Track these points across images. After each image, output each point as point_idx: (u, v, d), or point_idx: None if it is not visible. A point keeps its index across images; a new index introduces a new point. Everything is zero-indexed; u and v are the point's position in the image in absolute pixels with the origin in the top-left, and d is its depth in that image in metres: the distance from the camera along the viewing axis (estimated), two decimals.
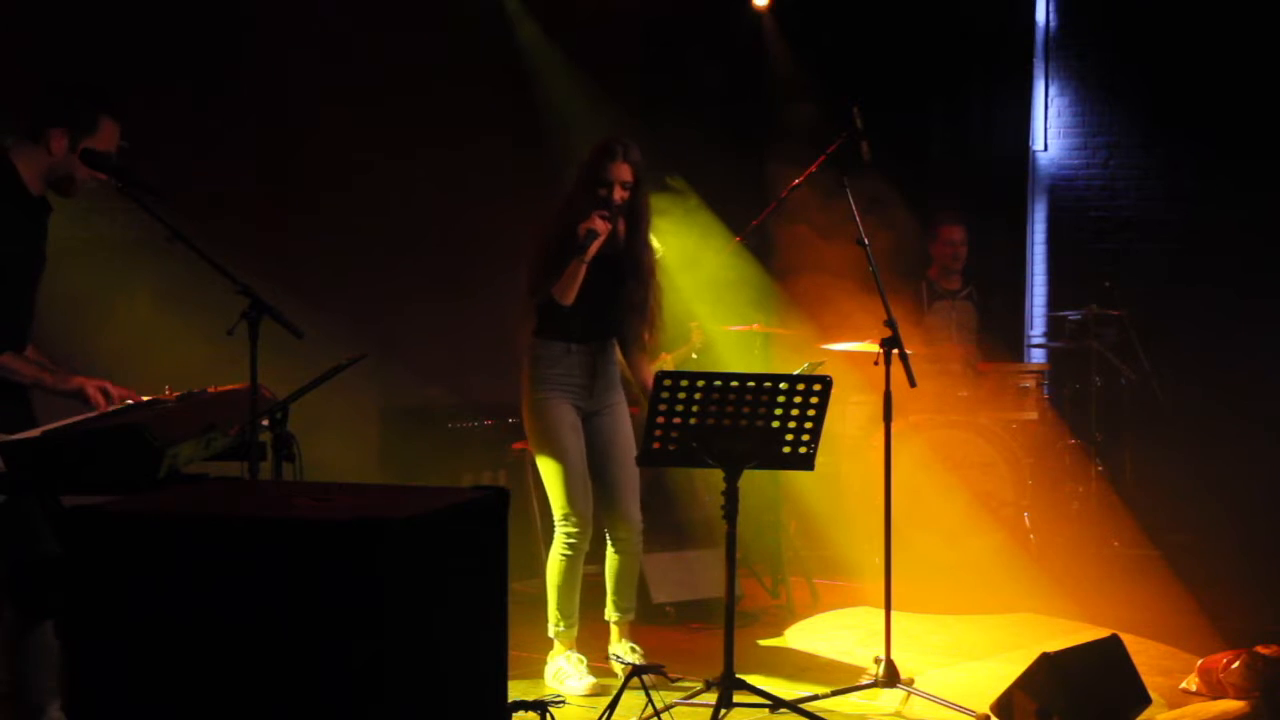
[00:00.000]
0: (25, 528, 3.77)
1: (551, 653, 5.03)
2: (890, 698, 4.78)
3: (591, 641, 5.10)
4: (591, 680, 4.89)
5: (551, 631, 5.02)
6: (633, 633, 5.16)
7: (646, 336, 5.09)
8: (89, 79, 4.15)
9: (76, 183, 4.02)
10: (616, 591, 5.09)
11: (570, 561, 4.95)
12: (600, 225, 4.82)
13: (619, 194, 4.88)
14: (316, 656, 2.62)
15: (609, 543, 5.08)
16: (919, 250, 7.63)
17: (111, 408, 3.89)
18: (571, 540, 4.93)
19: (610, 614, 5.10)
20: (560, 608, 4.98)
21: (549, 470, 4.94)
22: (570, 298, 4.84)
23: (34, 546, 3.78)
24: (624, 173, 4.88)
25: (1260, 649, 4.71)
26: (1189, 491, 7.46)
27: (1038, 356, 8.63)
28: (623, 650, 5.06)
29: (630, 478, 5.02)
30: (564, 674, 4.94)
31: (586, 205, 4.85)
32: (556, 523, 4.96)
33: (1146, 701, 4.46)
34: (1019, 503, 6.90)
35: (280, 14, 6.52)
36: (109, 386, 3.95)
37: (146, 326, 5.83)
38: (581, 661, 4.97)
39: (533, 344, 4.94)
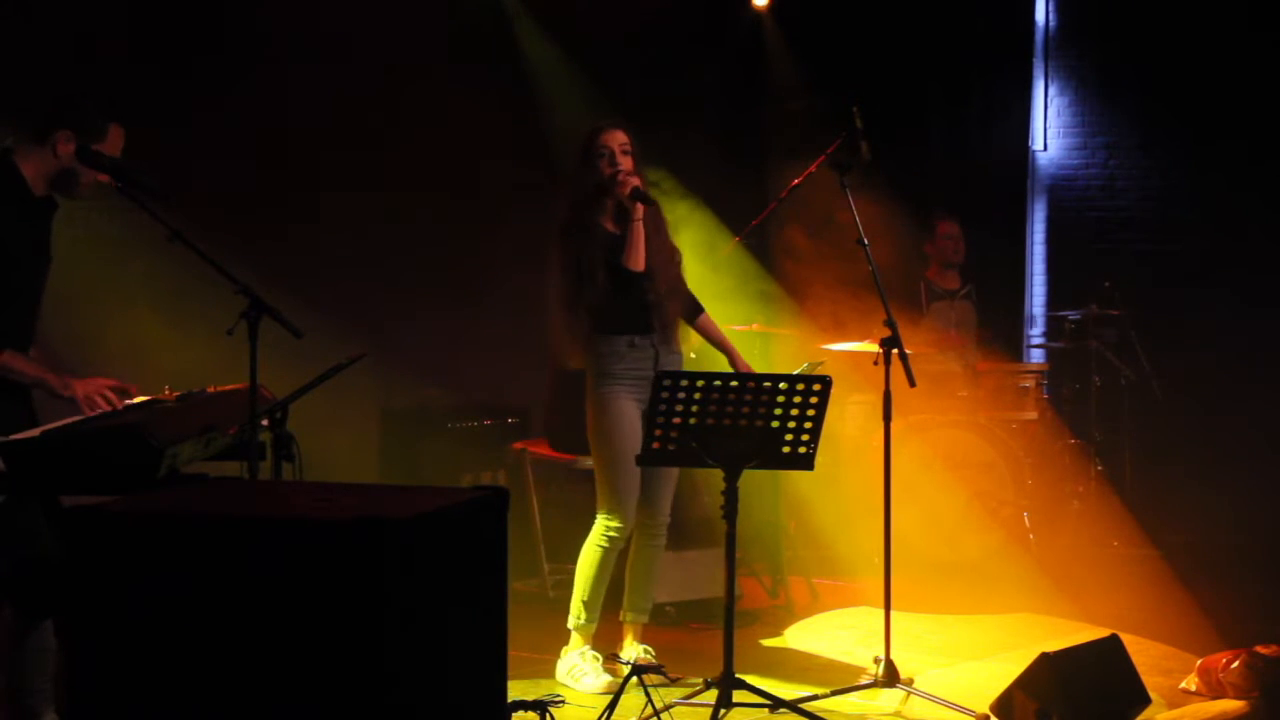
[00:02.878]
0: (25, 528, 3.77)
1: (566, 647, 5.02)
2: (890, 698, 4.78)
3: (598, 644, 5.08)
4: (608, 679, 4.87)
5: (572, 623, 4.99)
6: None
7: (690, 301, 5.12)
8: (97, 87, 4.17)
9: (81, 185, 4.04)
10: (637, 590, 5.06)
11: (607, 555, 4.94)
12: (636, 179, 4.86)
13: (624, 161, 4.89)
14: (316, 656, 2.62)
15: (635, 536, 5.06)
16: (917, 250, 7.63)
17: (111, 408, 3.89)
18: (613, 534, 4.92)
19: (628, 614, 5.08)
20: (587, 600, 4.96)
21: (605, 464, 4.92)
22: (641, 262, 4.86)
23: (34, 546, 3.78)
24: (618, 137, 4.91)
25: (1260, 649, 4.71)
26: (1189, 491, 7.46)
27: (1037, 356, 8.63)
28: (639, 653, 5.03)
29: (671, 472, 5.03)
30: (580, 671, 4.93)
31: (593, 183, 4.88)
32: (601, 515, 4.94)
33: (1146, 701, 4.46)
34: (1019, 503, 6.90)
35: (282, 14, 6.52)
36: (108, 392, 3.94)
37: (146, 326, 5.83)
38: (597, 659, 4.96)
39: (595, 340, 4.91)
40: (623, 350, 4.92)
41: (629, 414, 4.91)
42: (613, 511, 4.92)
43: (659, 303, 4.94)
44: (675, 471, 5.04)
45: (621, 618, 5.11)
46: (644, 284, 4.91)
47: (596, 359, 4.92)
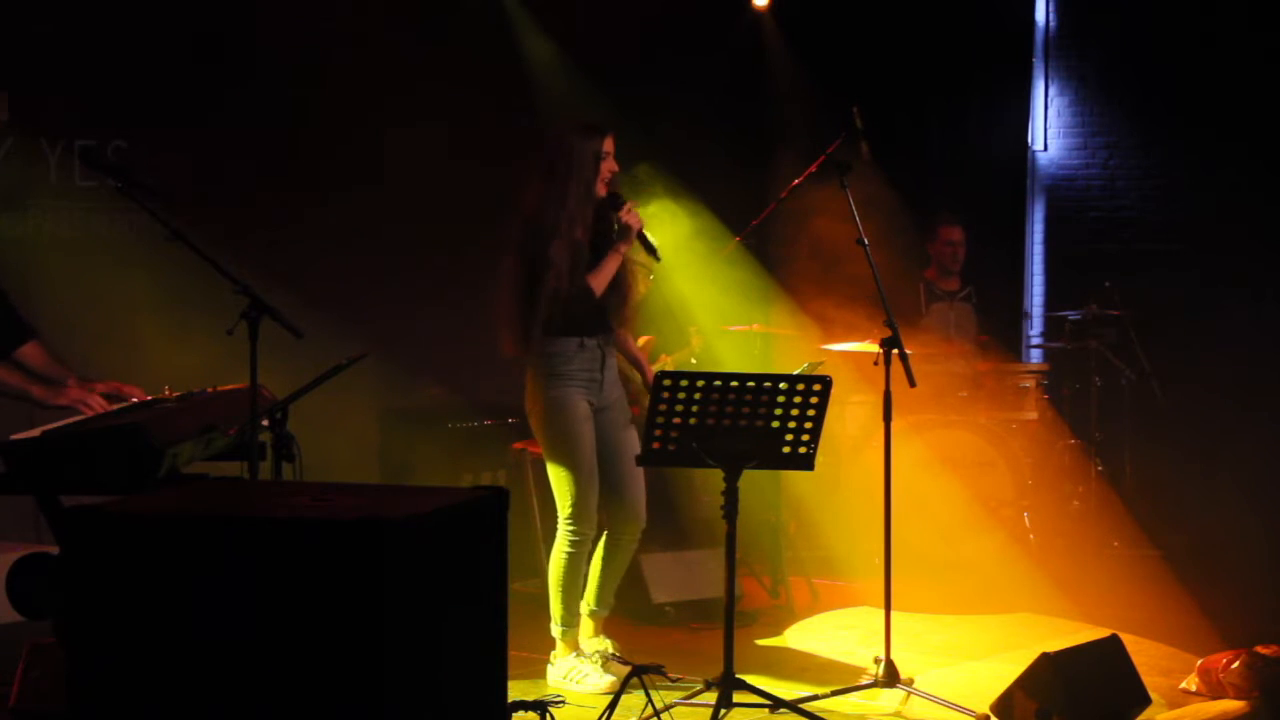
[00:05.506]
0: None
1: (555, 653, 5.01)
2: (890, 698, 4.77)
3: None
4: (611, 679, 4.85)
5: (556, 631, 4.99)
6: (633, 633, 5.14)
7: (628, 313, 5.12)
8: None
9: None
10: (604, 587, 5.03)
11: (575, 560, 4.93)
12: (637, 218, 4.87)
13: (613, 166, 4.91)
14: (316, 656, 2.62)
15: (607, 538, 5.04)
16: (917, 250, 7.63)
17: (112, 407, 3.89)
18: (577, 539, 4.91)
19: (590, 607, 5.04)
20: (566, 606, 4.96)
21: (562, 468, 4.90)
22: (604, 288, 4.88)
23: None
24: (611, 145, 4.93)
25: (1260, 649, 4.71)
26: (1189, 491, 7.46)
27: (1037, 356, 8.63)
28: (604, 646, 5.02)
29: (640, 473, 5.02)
30: (580, 673, 4.91)
31: (587, 185, 4.86)
32: (563, 521, 4.92)
33: (1146, 701, 4.47)
34: (1019, 503, 6.89)
35: (281, 14, 6.52)
36: (99, 397, 3.92)
37: (147, 327, 5.83)
38: (595, 660, 4.96)
39: (544, 342, 4.89)
40: (572, 351, 4.89)
41: (585, 414, 4.91)
42: (577, 515, 4.89)
43: (613, 306, 4.96)
44: (640, 471, 5.02)
45: (582, 609, 5.06)
46: (590, 302, 4.89)
47: (547, 359, 4.88)
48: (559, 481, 4.92)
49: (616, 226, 4.91)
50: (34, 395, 3.91)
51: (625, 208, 4.89)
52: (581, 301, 4.84)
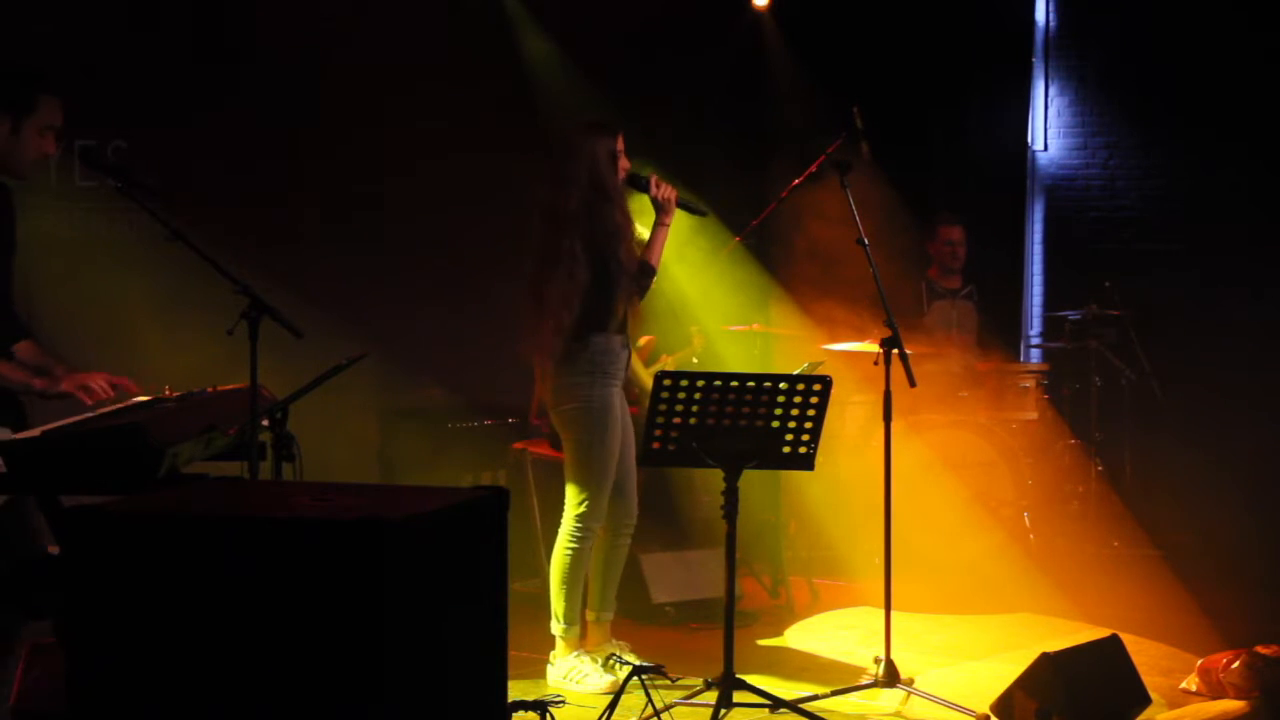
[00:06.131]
0: (24, 527, 3.77)
1: (555, 653, 5.01)
2: (890, 698, 4.78)
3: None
4: (611, 679, 4.85)
5: (557, 630, 4.99)
6: (633, 633, 5.14)
7: None
8: (18, 61, 4.08)
9: (26, 163, 3.97)
10: (608, 588, 5.04)
11: (578, 557, 4.93)
12: (669, 188, 4.98)
13: (625, 164, 4.97)
14: (316, 656, 2.61)
15: (606, 536, 5.03)
16: (917, 250, 7.63)
17: (112, 407, 3.88)
18: (583, 536, 4.91)
19: (599, 613, 5.06)
20: (569, 604, 4.96)
21: (590, 465, 4.89)
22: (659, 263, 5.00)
23: (32, 546, 3.77)
24: (622, 143, 4.98)
25: (1260, 649, 4.71)
26: (1189, 491, 7.46)
27: (1037, 356, 8.63)
28: (620, 650, 5.03)
29: (634, 467, 5.05)
30: (580, 673, 4.91)
31: (614, 184, 4.90)
32: (572, 519, 4.92)
33: (1146, 701, 4.47)
34: (1019, 503, 6.89)
35: (281, 14, 6.52)
36: (102, 382, 3.92)
37: (146, 326, 5.82)
38: (595, 660, 4.96)
39: (591, 340, 4.87)
40: (617, 349, 4.93)
41: (621, 413, 4.93)
42: (589, 513, 4.91)
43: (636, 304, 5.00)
44: (635, 466, 5.04)
45: (589, 616, 5.08)
46: (622, 302, 4.92)
47: (597, 357, 4.88)
48: (580, 479, 4.91)
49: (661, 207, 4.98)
50: (36, 387, 3.92)
51: (653, 183, 4.94)
52: (645, 285, 4.92)
